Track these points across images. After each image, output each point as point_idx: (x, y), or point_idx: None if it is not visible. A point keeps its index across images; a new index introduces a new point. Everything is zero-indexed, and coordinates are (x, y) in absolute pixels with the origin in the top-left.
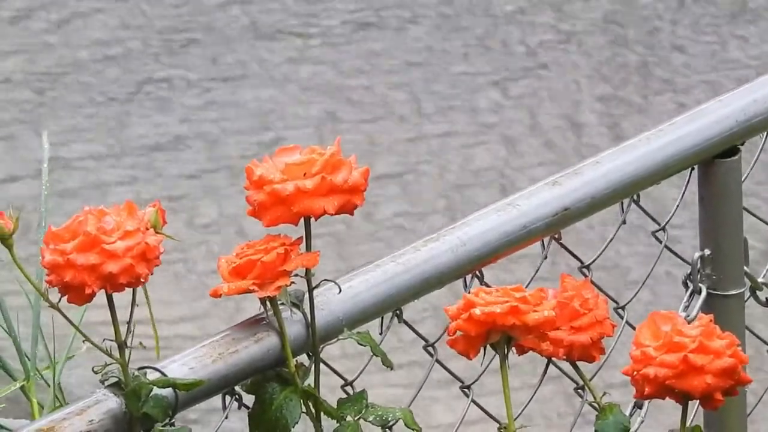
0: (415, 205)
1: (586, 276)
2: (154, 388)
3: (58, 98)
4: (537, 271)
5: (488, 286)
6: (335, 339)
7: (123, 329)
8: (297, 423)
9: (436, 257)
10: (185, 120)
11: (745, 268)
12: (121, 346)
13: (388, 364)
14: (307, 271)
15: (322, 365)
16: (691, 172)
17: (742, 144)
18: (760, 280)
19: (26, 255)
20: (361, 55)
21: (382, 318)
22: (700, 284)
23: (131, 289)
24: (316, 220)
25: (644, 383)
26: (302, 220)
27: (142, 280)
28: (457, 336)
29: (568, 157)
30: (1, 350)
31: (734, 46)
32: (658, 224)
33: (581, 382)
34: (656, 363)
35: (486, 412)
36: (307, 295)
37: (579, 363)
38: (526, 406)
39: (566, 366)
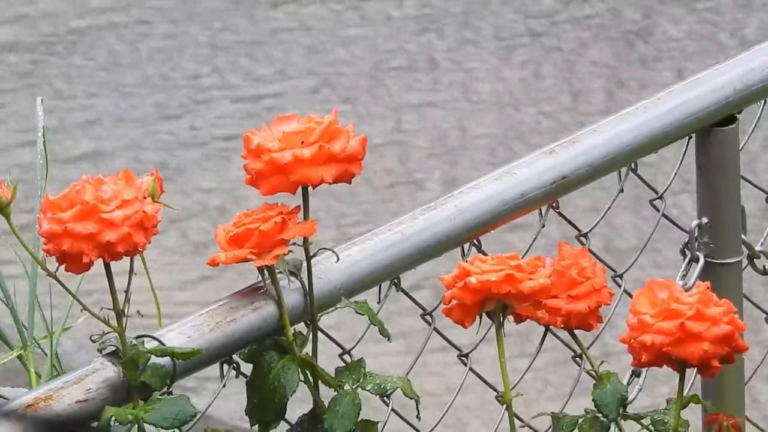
0: (412, 173)
1: (583, 244)
2: (152, 356)
3: (59, 65)
4: (534, 240)
5: (486, 254)
6: (333, 308)
7: (121, 298)
8: (295, 392)
9: (433, 226)
10: (186, 89)
11: (742, 236)
12: (119, 314)
13: (385, 334)
14: (305, 239)
15: (320, 334)
16: (688, 141)
17: (740, 112)
18: (757, 248)
19: (25, 223)
20: (355, 22)
21: (380, 286)
22: (697, 252)
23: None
24: (314, 188)
25: (641, 351)
26: (300, 188)
27: (140, 248)
28: (452, 305)
29: (565, 125)
30: None
31: (732, 14)
32: (656, 193)
33: (579, 351)
34: (653, 330)
35: (483, 380)
36: (305, 264)
37: (577, 331)
38: (523, 375)
39: (564, 335)
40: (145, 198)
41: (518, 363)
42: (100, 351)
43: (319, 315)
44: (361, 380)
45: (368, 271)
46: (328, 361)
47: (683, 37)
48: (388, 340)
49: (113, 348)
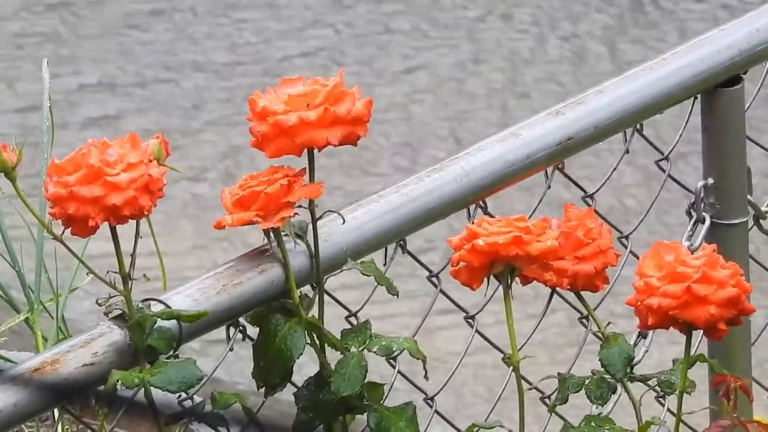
0: (417, 134)
1: (589, 205)
2: (158, 320)
3: (65, 28)
4: (540, 201)
5: (491, 216)
6: (339, 270)
7: (127, 261)
8: (301, 354)
9: (439, 187)
10: (191, 50)
11: (748, 197)
12: (125, 278)
13: (394, 292)
14: (311, 202)
15: (326, 296)
16: (693, 102)
17: (745, 73)
18: (763, 208)
19: (30, 187)
20: None
21: (386, 249)
22: (703, 213)
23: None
24: (319, 151)
25: (648, 314)
26: (306, 151)
27: (145, 212)
28: (460, 266)
29: (570, 87)
30: (5, 283)
31: None
32: (662, 153)
33: (585, 312)
34: (659, 293)
35: (490, 342)
36: (310, 226)
37: (583, 293)
38: (530, 337)
39: (571, 296)
40: (150, 161)
41: (526, 325)
42: (106, 314)
43: (325, 277)
44: (368, 342)
45: (374, 233)
46: (335, 323)
47: None
48: (396, 296)
49: (119, 311)
